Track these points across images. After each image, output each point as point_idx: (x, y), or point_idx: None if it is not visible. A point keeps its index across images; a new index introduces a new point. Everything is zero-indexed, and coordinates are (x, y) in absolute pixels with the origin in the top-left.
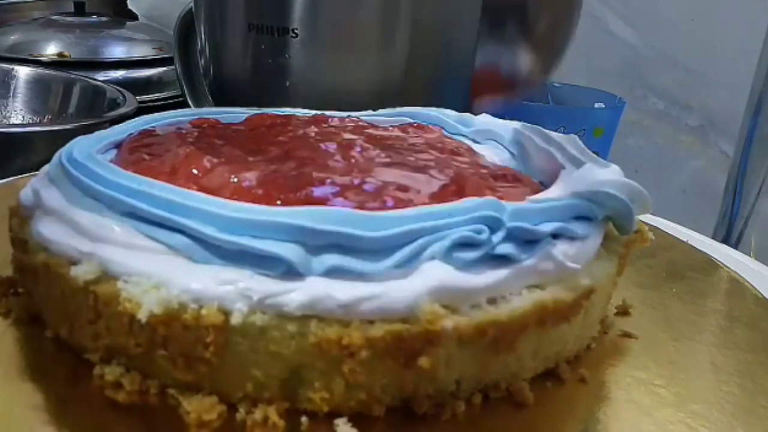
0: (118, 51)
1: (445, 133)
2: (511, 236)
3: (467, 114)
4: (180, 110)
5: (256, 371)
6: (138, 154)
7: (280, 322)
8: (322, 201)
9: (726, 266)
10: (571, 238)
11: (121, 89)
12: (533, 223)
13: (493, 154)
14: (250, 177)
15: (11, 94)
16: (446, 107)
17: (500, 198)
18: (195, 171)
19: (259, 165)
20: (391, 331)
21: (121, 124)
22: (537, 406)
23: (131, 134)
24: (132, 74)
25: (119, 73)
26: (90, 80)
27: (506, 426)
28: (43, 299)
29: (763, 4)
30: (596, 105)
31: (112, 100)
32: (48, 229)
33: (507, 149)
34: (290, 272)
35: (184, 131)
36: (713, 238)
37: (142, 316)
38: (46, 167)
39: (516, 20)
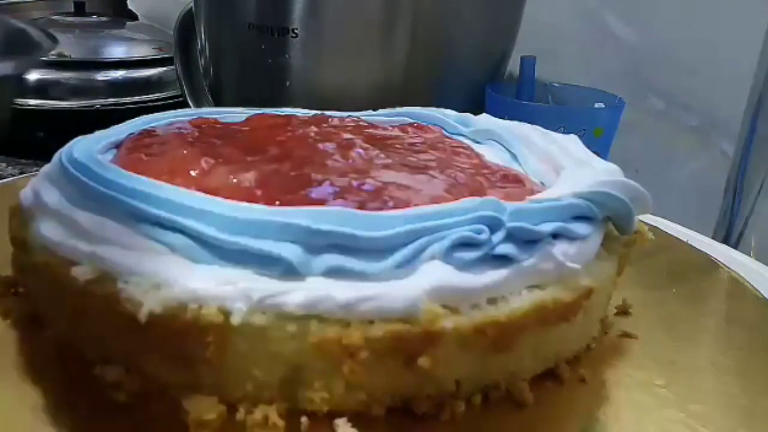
0: (118, 51)
1: (445, 133)
2: (511, 236)
3: (467, 114)
4: (180, 110)
5: (256, 371)
6: (136, 154)
7: (280, 322)
8: (321, 201)
9: (726, 266)
10: (571, 238)
11: (47, 31)
12: (533, 223)
13: (493, 154)
14: (249, 177)
15: None
16: (446, 107)
17: (502, 198)
18: (193, 172)
19: (258, 165)
20: (391, 331)
21: (120, 124)
22: (537, 406)
23: (131, 134)
24: (132, 74)
25: (119, 73)
26: (9, 20)
27: (506, 426)
28: (43, 299)
29: (763, 3)
30: (596, 105)
31: (36, 43)
32: (48, 230)
33: (507, 149)
34: (290, 272)
35: (183, 131)
36: (713, 238)
37: (142, 316)
38: (46, 167)
39: None
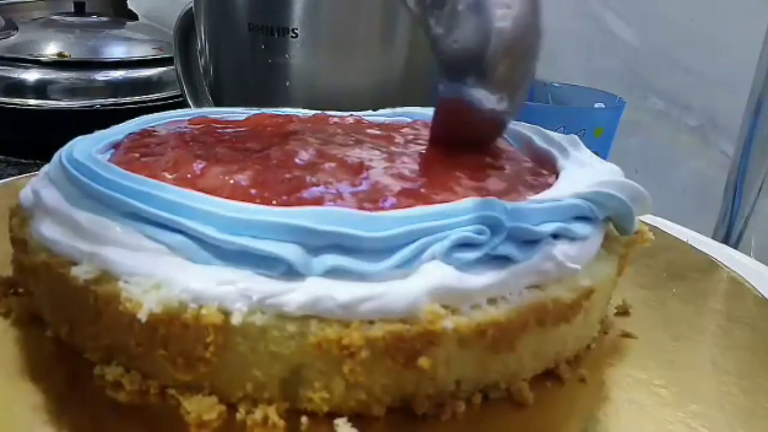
0: (118, 51)
1: None
2: (512, 236)
3: None
4: (180, 110)
5: (256, 371)
6: (132, 154)
7: (280, 322)
8: (318, 201)
9: (726, 266)
10: (572, 238)
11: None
12: (533, 224)
13: None
14: (244, 178)
15: None
16: None
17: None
18: (188, 173)
19: (255, 165)
20: (391, 331)
21: (121, 124)
22: (537, 406)
23: (130, 134)
24: (132, 74)
25: (119, 73)
26: None
27: (506, 426)
28: (43, 299)
29: (763, 4)
30: (596, 105)
31: None
32: (48, 229)
33: None
34: (290, 272)
35: (182, 131)
36: (713, 238)
37: (142, 316)
38: (46, 167)
39: (474, 71)
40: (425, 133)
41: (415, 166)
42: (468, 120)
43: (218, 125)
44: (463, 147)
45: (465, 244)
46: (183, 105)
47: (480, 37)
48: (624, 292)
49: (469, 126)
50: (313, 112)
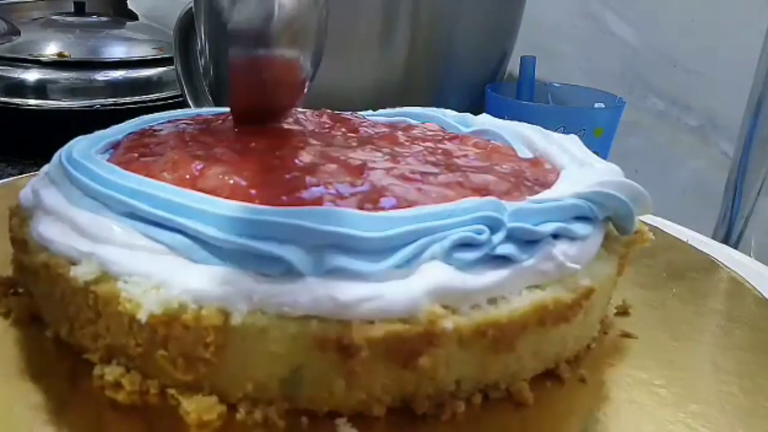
0: (118, 51)
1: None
2: (512, 236)
3: (467, 114)
4: (180, 110)
5: (256, 371)
6: (131, 154)
7: (280, 322)
8: (319, 201)
9: (726, 266)
10: (572, 238)
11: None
12: (533, 224)
13: None
14: (244, 178)
15: None
16: (446, 107)
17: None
18: (186, 173)
19: (255, 166)
20: (391, 331)
21: (121, 124)
22: (537, 406)
23: (130, 134)
24: (132, 74)
25: (119, 73)
26: None
27: (506, 426)
28: (43, 299)
29: (763, 4)
30: (596, 105)
31: None
32: (48, 229)
33: None
34: (290, 272)
35: (181, 131)
36: (713, 238)
37: (142, 316)
38: (46, 167)
39: (260, 42)
40: (429, 132)
41: (420, 165)
42: (263, 82)
43: (217, 121)
44: (262, 117)
45: (465, 244)
46: (183, 105)
47: (263, 12)
48: (624, 292)
49: (265, 90)
50: (312, 111)
